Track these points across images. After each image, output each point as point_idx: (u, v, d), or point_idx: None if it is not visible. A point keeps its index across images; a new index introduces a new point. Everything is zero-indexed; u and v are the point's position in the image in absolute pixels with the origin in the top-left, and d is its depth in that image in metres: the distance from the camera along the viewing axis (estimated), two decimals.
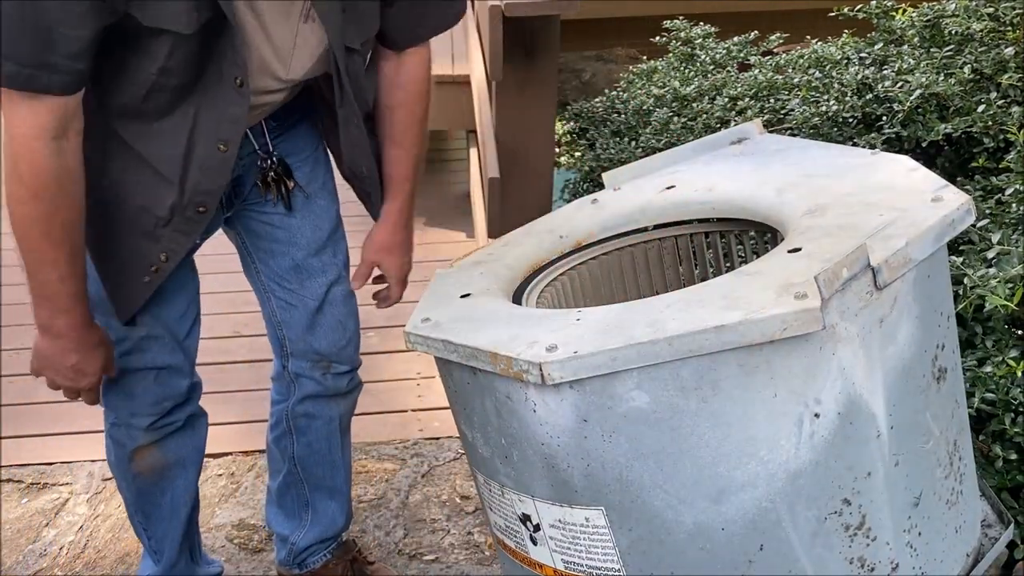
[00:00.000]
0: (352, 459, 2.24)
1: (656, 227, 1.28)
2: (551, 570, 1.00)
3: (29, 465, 2.26)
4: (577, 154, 3.09)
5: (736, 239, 1.27)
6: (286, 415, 1.68)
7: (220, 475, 2.23)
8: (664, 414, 0.86)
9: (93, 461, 2.27)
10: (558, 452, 0.91)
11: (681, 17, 3.15)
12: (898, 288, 0.90)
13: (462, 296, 1.09)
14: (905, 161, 1.11)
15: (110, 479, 2.21)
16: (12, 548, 2.02)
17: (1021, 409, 1.44)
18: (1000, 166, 1.64)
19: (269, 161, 1.42)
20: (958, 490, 1.01)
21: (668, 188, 1.28)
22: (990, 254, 1.37)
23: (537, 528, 0.99)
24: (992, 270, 1.35)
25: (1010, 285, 1.31)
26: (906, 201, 0.99)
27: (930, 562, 0.98)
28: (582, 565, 0.96)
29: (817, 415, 0.87)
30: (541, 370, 0.86)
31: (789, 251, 0.94)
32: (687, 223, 1.27)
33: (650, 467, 0.88)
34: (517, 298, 1.14)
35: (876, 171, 1.11)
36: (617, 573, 0.94)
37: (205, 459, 2.29)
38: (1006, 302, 1.28)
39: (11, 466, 2.26)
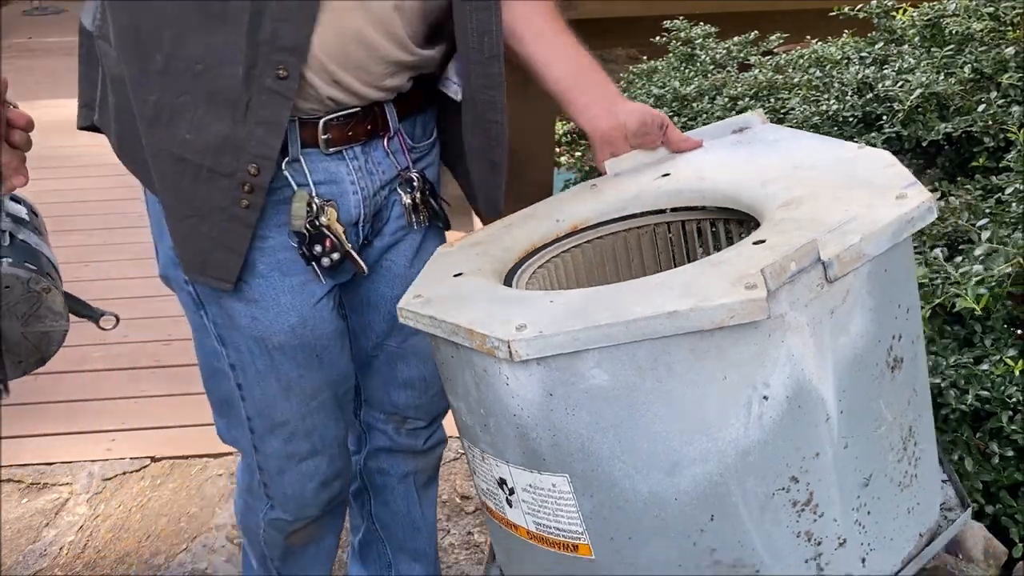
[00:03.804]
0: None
1: (650, 213, 1.34)
2: (525, 531, 1.08)
3: (29, 465, 2.31)
4: (577, 154, 3.14)
5: (724, 227, 1.32)
6: (359, 469, 1.59)
7: (220, 475, 2.30)
8: (622, 392, 0.93)
9: (93, 461, 2.34)
10: (528, 423, 0.99)
11: (681, 17, 3.17)
12: (851, 281, 0.95)
13: (455, 275, 1.17)
14: (884, 157, 1.15)
15: (110, 479, 2.32)
16: (12, 548, 2.05)
17: (1020, 408, 1.47)
18: (1000, 165, 1.66)
19: (416, 180, 1.33)
20: (912, 473, 1.06)
21: (663, 176, 1.34)
22: (977, 251, 1.40)
23: (512, 492, 1.07)
24: (978, 267, 1.38)
25: (988, 286, 1.34)
26: (874, 197, 1.03)
27: (879, 539, 1.03)
28: (550, 527, 1.04)
29: (766, 397, 0.93)
30: (509, 347, 0.93)
31: (754, 243, 1.00)
32: (678, 210, 1.32)
33: (609, 440, 0.95)
34: (509, 278, 1.21)
35: (856, 166, 1.15)
36: (580, 535, 1.02)
37: (205, 459, 2.34)
38: (973, 304, 1.31)
39: (11, 466, 2.30)
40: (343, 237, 1.24)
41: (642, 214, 1.34)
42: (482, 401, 1.04)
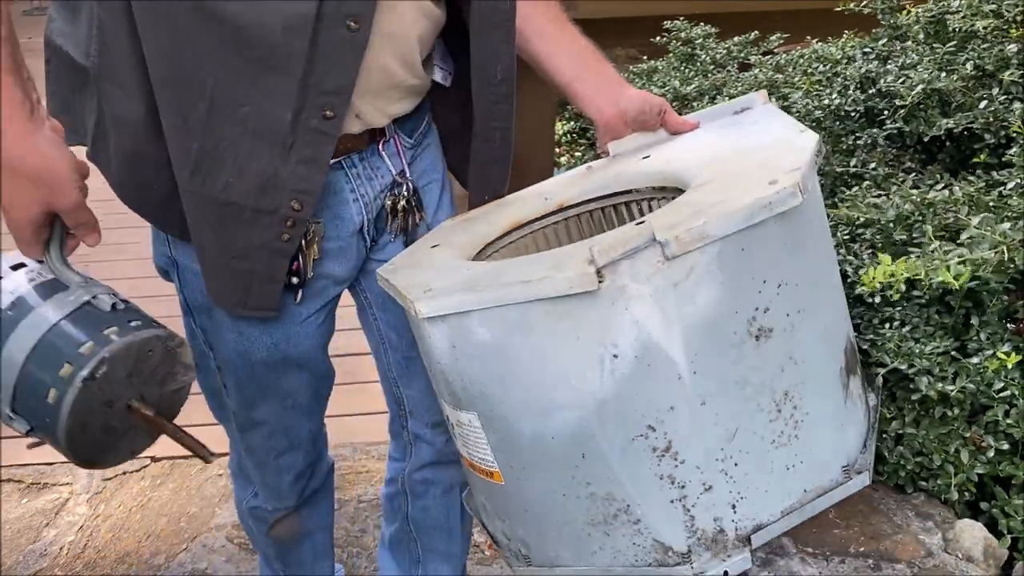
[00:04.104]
0: (354, 460, 2.20)
1: (626, 192, 1.48)
2: (466, 460, 1.31)
3: (29, 465, 2.32)
4: (577, 154, 3.15)
5: None
6: (402, 478, 1.62)
7: (220, 475, 2.30)
8: (500, 347, 1.13)
9: None
10: (446, 369, 1.21)
11: (681, 17, 3.11)
12: (696, 259, 1.07)
13: (432, 247, 1.40)
14: (805, 142, 1.23)
15: (110, 479, 2.34)
16: (12, 548, 2.04)
17: (1015, 402, 1.45)
18: (1001, 160, 1.60)
19: (405, 186, 1.37)
20: (791, 434, 1.15)
21: (644, 158, 1.48)
22: (963, 236, 1.40)
23: (454, 426, 1.30)
24: (962, 249, 1.38)
25: (969, 267, 1.34)
26: (754, 182, 1.13)
27: (751, 489, 1.14)
28: (475, 456, 1.26)
29: (616, 356, 1.08)
30: (414, 307, 1.16)
31: (636, 223, 1.14)
32: (647, 190, 1.46)
33: (497, 386, 1.15)
34: (484, 252, 1.42)
35: (779, 150, 1.24)
36: (492, 464, 1.23)
37: None
38: (952, 279, 1.32)
39: (11, 466, 2.31)
40: (309, 267, 1.28)
41: (619, 193, 1.49)
42: (422, 350, 1.28)
